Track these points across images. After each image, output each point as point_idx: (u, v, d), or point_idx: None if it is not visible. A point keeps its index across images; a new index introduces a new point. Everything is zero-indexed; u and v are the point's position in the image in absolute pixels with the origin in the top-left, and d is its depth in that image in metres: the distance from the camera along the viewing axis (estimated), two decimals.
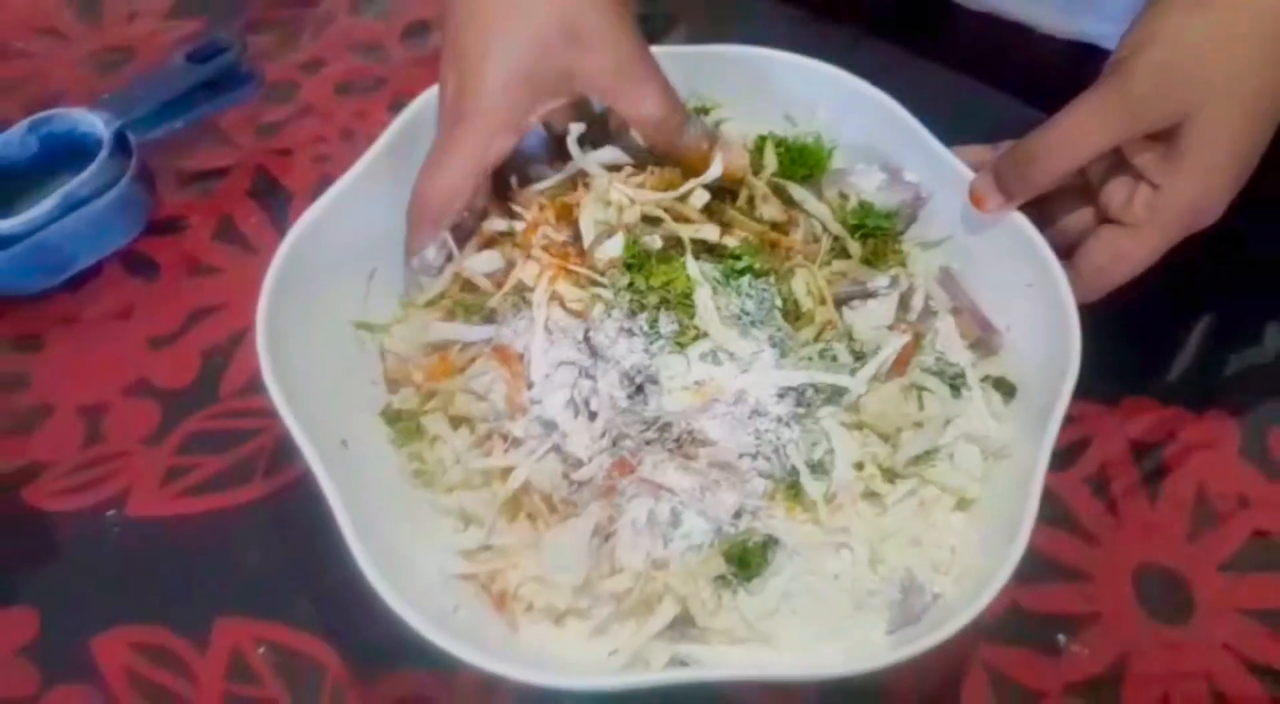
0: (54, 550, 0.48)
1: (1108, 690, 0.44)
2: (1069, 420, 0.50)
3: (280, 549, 0.48)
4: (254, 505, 0.49)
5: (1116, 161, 0.47)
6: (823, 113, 0.53)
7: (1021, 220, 0.48)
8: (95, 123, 0.56)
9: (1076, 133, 0.45)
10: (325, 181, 0.60)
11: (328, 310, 0.47)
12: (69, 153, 0.57)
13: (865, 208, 0.51)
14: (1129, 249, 0.46)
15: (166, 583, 0.47)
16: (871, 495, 0.43)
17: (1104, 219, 0.48)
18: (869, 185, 0.51)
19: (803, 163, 0.52)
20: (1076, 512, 0.49)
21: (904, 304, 0.48)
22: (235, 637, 0.45)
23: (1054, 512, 0.49)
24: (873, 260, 0.49)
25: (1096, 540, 0.49)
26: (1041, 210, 0.48)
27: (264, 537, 0.48)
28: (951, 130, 0.51)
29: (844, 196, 0.51)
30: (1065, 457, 0.50)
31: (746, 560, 0.41)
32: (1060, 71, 0.64)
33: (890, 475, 0.44)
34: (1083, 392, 0.46)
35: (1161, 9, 0.45)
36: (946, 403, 0.46)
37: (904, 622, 0.41)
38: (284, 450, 0.50)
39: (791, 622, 0.41)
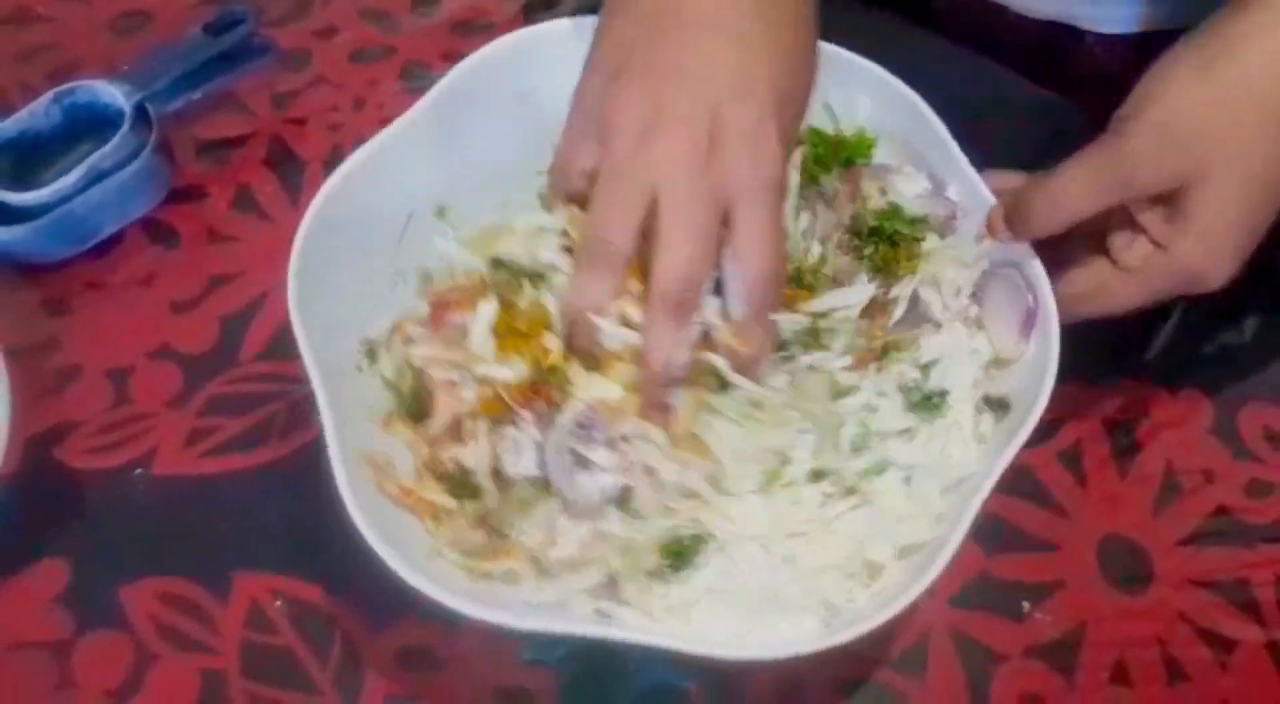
0: (84, 506, 0.51)
1: (1066, 654, 0.48)
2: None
3: (294, 508, 0.51)
4: (270, 466, 0.52)
5: (1124, 213, 0.47)
6: (864, 108, 0.52)
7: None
8: (116, 95, 0.58)
9: (1073, 188, 0.46)
10: (338, 151, 0.63)
11: (362, 254, 0.48)
12: (90, 122, 0.59)
13: (893, 210, 0.50)
14: (1113, 287, 0.47)
15: (190, 538, 0.50)
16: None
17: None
18: (909, 190, 0.51)
19: (840, 150, 0.52)
20: (1048, 485, 0.52)
21: (884, 310, 0.48)
22: (253, 589, 0.49)
23: (1026, 485, 0.51)
24: (886, 266, 0.49)
25: (1065, 513, 0.51)
26: (1058, 249, 0.48)
27: (279, 496, 0.51)
28: (944, 104, 0.53)
29: (883, 193, 0.51)
30: (1041, 432, 0.52)
31: (680, 553, 0.43)
32: (1037, 51, 0.65)
33: (825, 478, 0.45)
34: (1062, 370, 0.48)
35: (1165, 72, 0.45)
36: (896, 418, 0.46)
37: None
38: (298, 414, 0.53)
39: (714, 614, 0.42)
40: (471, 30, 0.69)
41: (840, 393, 0.46)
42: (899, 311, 0.48)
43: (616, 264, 0.42)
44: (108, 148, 0.57)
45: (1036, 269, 0.48)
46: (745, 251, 0.42)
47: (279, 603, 0.49)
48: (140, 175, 0.58)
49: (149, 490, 0.52)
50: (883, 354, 0.47)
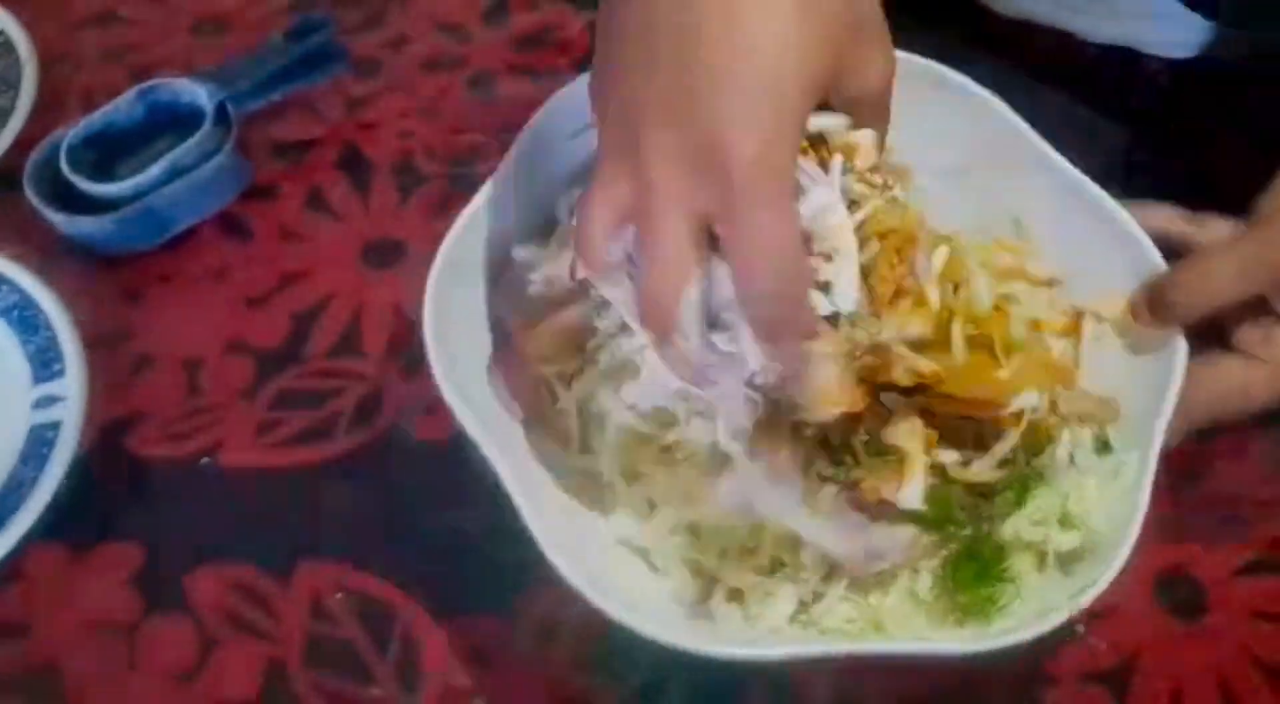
0: (155, 492, 0.52)
1: (1121, 681, 0.47)
2: None
3: (359, 502, 0.52)
4: (336, 460, 0.53)
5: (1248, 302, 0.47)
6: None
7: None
8: (198, 94, 0.60)
9: (1218, 278, 0.46)
10: (407, 157, 0.64)
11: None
12: (171, 119, 0.61)
13: None
14: (1256, 383, 0.47)
15: (256, 528, 0.51)
16: None
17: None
18: None
19: None
20: None
21: None
22: (316, 580, 0.50)
23: None
24: None
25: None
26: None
27: (344, 490, 0.52)
28: None
29: None
30: None
31: None
32: (1095, 77, 0.66)
33: None
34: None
35: None
36: None
37: None
38: (365, 410, 0.55)
39: None
40: (540, 44, 0.70)
41: None
42: None
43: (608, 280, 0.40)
44: (190, 144, 0.58)
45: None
46: (735, 266, 0.38)
47: (340, 595, 0.49)
48: (218, 172, 0.59)
49: (217, 479, 0.53)
50: None
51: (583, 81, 0.44)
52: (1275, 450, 0.54)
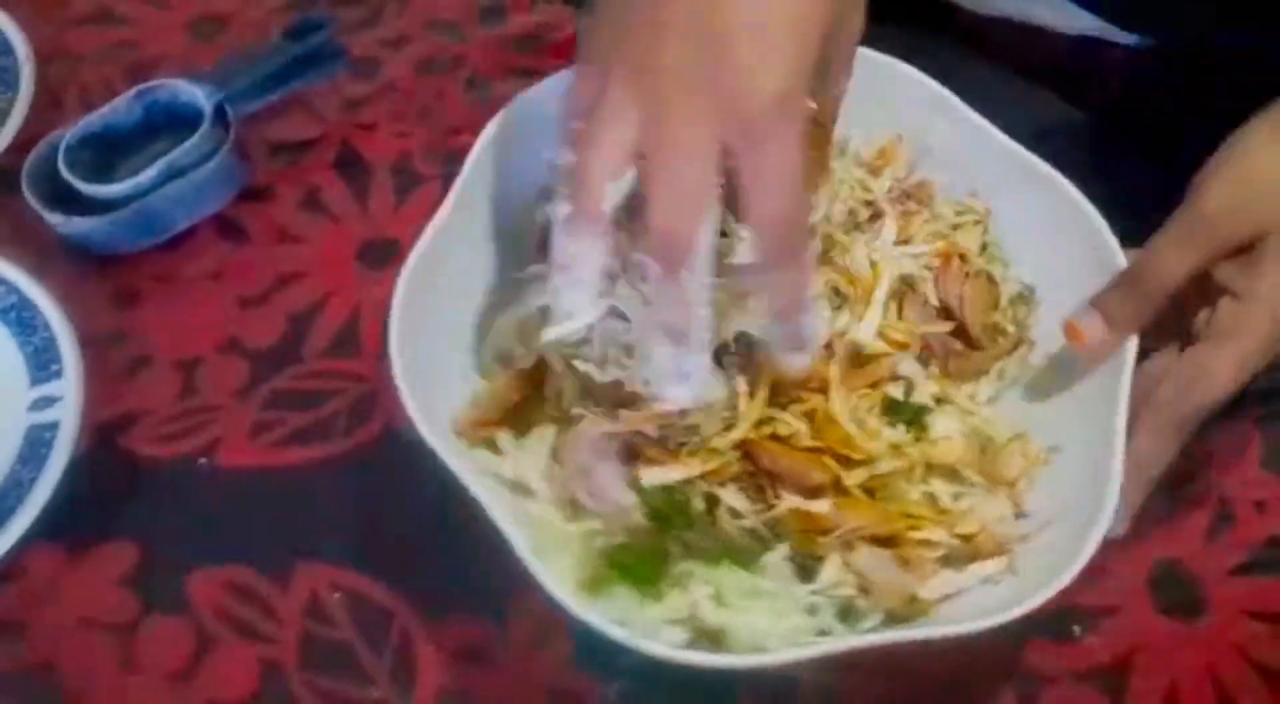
0: (151, 492, 0.52)
1: (1115, 680, 0.48)
2: None
3: (354, 502, 0.52)
4: (332, 461, 0.53)
5: (1201, 291, 0.47)
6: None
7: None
8: (196, 94, 0.60)
9: (1163, 257, 0.46)
10: (405, 157, 0.64)
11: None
12: (169, 120, 0.61)
13: None
14: (1210, 361, 0.46)
15: (252, 528, 0.51)
16: None
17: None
18: None
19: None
20: None
21: None
22: (313, 581, 0.50)
23: None
24: None
25: (1118, 539, 0.51)
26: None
27: (340, 490, 0.52)
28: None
29: None
30: None
31: None
32: (1067, 68, 0.66)
33: None
34: None
35: (1241, 137, 0.47)
36: None
37: None
38: (361, 411, 0.55)
39: None
40: (537, 45, 0.70)
41: None
42: None
43: (597, 228, 0.40)
44: (187, 145, 0.58)
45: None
46: (752, 194, 0.39)
47: (337, 595, 0.49)
48: (215, 173, 0.59)
49: (213, 480, 0.53)
50: None
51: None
52: (1270, 452, 0.54)
